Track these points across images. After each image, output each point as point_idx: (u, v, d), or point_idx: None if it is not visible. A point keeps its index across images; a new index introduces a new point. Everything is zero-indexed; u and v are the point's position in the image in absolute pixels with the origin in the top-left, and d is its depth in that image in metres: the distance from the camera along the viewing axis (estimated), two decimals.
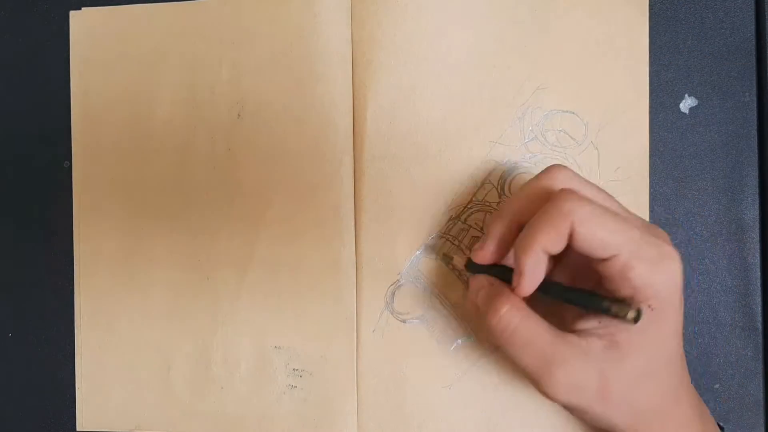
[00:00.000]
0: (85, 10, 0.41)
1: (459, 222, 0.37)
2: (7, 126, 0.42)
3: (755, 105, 0.36)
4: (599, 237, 0.27)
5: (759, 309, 0.36)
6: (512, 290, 0.29)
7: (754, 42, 0.36)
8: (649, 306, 0.27)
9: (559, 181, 0.29)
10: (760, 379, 0.36)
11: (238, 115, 0.39)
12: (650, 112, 0.36)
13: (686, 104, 0.37)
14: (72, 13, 0.41)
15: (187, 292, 0.40)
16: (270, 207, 0.39)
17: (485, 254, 0.31)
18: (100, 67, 0.40)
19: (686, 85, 0.37)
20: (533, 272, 0.28)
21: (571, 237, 0.27)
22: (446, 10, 0.37)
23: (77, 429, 0.41)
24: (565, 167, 0.30)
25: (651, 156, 0.36)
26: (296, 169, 0.38)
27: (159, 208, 0.40)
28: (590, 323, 0.29)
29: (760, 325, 0.36)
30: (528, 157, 0.37)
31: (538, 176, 0.30)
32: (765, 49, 0.36)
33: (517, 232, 0.30)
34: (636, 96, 0.36)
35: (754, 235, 0.36)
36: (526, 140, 0.37)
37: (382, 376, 0.38)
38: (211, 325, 0.39)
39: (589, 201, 0.27)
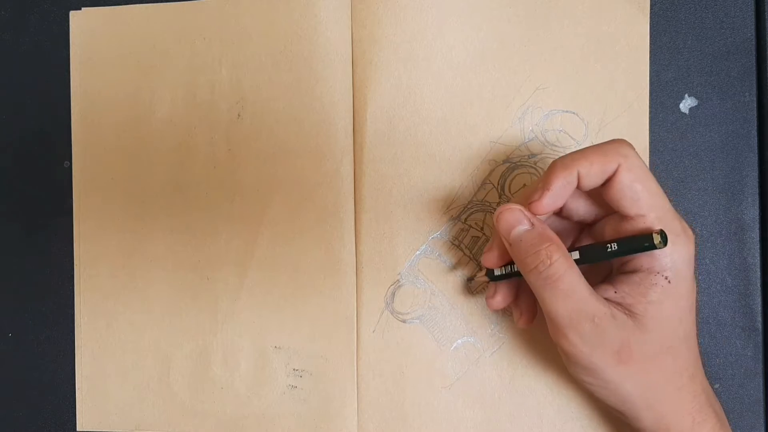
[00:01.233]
0: (85, 10, 0.41)
1: (459, 222, 0.37)
2: (7, 126, 0.42)
3: (755, 105, 0.36)
4: (636, 190, 0.28)
5: (759, 309, 0.36)
6: (528, 205, 0.30)
7: (754, 42, 0.36)
8: (666, 278, 0.28)
9: (616, 153, 0.29)
10: (760, 379, 0.36)
11: (238, 115, 0.39)
12: (650, 112, 0.36)
13: (686, 104, 0.37)
14: (72, 13, 0.41)
15: (187, 292, 0.40)
16: (270, 207, 0.39)
17: (542, 202, 0.30)
18: (100, 67, 0.40)
19: (686, 85, 0.37)
20: (559, 191, 0.29)
21: (610, 181, 0.28)
22: (446, 10, 0.37)
23: (77, 429, 0.41)
24: (626, 142, 0.30)
25: (651, 156, 0.36)
26: (296, 169, 0.38)
27: (159, 208, 0.40)
28: (608, 292, 0.30)
29: (760, 325, 0.36)
30: (528, 157, 0.37)
31: (599, 144, 0.30)
32: (765, 49, 0.36)
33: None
34: (636, 96, 0.36)
35: (754, 235, 0.36)
36: (527, 140, 0.37)
37: (382, 376, 0.38)
38: (211, 325, 0.39)
39: (642, 161, 0.29)
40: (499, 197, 0.37)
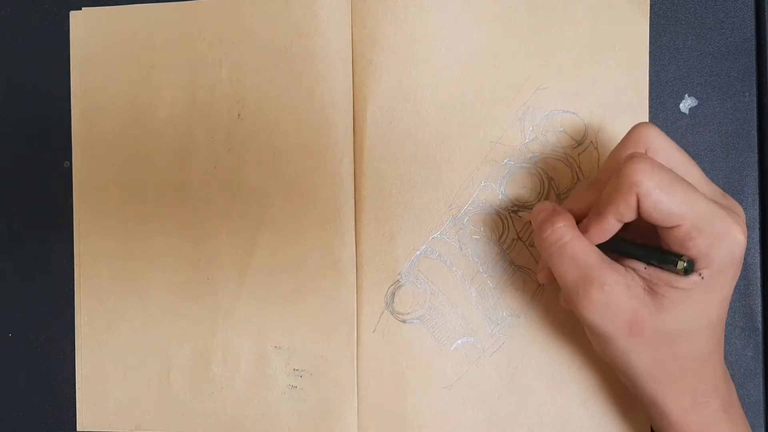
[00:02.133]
0: (85, 10, 0.41)
1: (459, 222, 0.37)
2: (7, 126, 0.42)
3: (755, 105, 0.36)
4: (663, 209, 0.27)
5: (759, 309, 0.36)
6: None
7: (754, 42, 0.36)
8: (700, 275, 0.28)
9: (638, 143, 0.30)
10: (760, 379, 0.36)
11: (238, 115, 0.39)
12: (650, 112, 0.36)
13: (686, 104, 0.37)
14: (72, 13, 0.41)
15: (187, 293, 0.40)
16: (270, 207, 0.39)
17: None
18: (100, 67, 0.40)
19: (686, 85, 0.37)
20: (603, 235, 0.30)
21: (638, 206, 0.28)
22: (446, 11, 0.37)
23: (77, 429, 0.41)
24: (648, 126, 0.30)
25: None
26: (296, 169, 0.38)
27: (159, 208, 0.40)
28: (638, 265, 0.30)
29: (760, 325, 0.36)
30: (528, 158, 0.37)
31: (623, 139, 0.30)
32: (765, 49, 0.36)
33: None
34: (636, 96, 0.36)
35: (754, 235, 0.36)
36: (527, 140, 0.37)
37: (382, 376, 0.38)
38: (211, 325, 0.39)
39: (659, 169, 0.28)
40: (500, 197, 0.37)
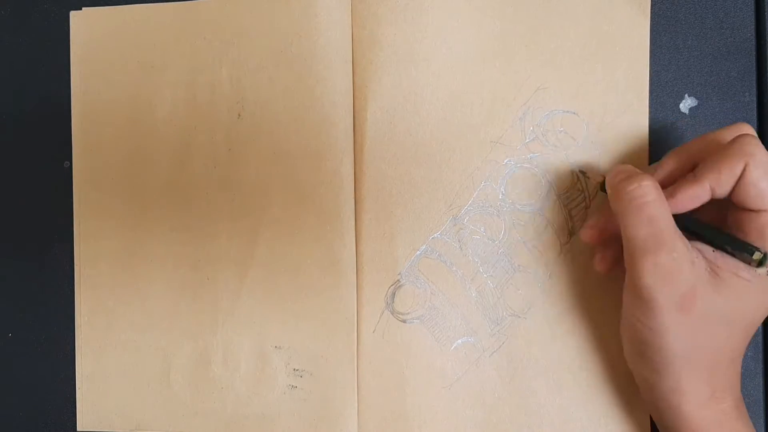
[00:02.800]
0: (85, 10, 0.41)
1: (459, 222, 0.37)
2: (7, 126, 0.42)
3: (755, 105, 0.36)
4: (762, 187, 0.28)
5: None
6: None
7: (754, 42, 0.36)
8: (767, 270, 0.28)
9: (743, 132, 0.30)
10: (760, 379, 0.36)
11: (238, 115, 0.39)
12: (650, 112, 0.36)
13: (686, 104, 0.37)
14: (72, 13, 0.41)
15: (187, 292, 0.40)
16: (270, 207, 0.39)
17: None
18: (100, 67, 0.40)
19: (686, 85, 0.37)
20: (692, 202, 0.30)
21: (739, 178, 0.28)
22: (447, 10, 0.37)
23: (77, 429, 0.41)
24: (749, 128, 0.30)
25: (651, 156, 0.36)
26: (296, 169, 0.38)
27: (159, 207, 0.40)
28: (705, 247, 0.30)
29: (760, 325, 0.36)
30: (529, 158, 0.37)
31: (726, 127, 0.31)
32: (765, 49, 0.36)
33: (687, 172, 0.31)
34: (636, 96, 0.36)
35: None
36: (527, 140, 0.37)
37: (382, 376, 0.38)
38: (211, 325, 0.39)
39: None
40: (500, 198, 0.37)
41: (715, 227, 0.30)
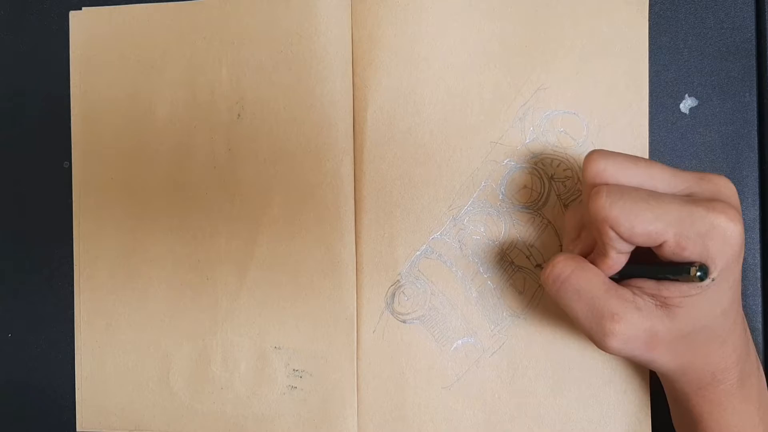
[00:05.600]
0: (85, 10, 0.41)
1: (459, 222, 0.37)
2: (7, 126, 0.42)
3: (755, 105, 0.36)
4: (639, 232, 0.27)
5: (759, 309, 0.36)
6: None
7: (754, 42, 0.36)
8: (712, 278, 0.27)
9: (596, 176, 0.29)
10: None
11: (238, 115, 0.39)
12: (650, 112, 0.36)
13: (686, 104, 0.37)
14: (72, 13, 0.41)
15: (187, 292, 0.40)
16: (270, 207, 0.39)
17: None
18: (100, 67, 0.40)
19: (686, 85, 0.37)
20: (614, 269, 0.30)
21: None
22: (446, 11, 0.37)
23: (77, 429, 0.40)
24: (597, 156, 0.29)
25: (651, 156, 0.36)
26: (296, 169, 0.38)
27: (159, 208, 0.40)
28: (645, 282, 0.29)
29: (760, 325, 0.36)
30: (529, 158, 0.37)
31: (582, 175, 0.30)
32: (765, 49, 0.36)
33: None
34: (636, 96, 0.36)
35: (754, 235, 0.36)
36: (527, 141, 0.37)
37: (382, 376, 0.38)
38: (211, 325, 0.39)
39: (619, 196, 0.27)
40: (500, 198, 0.37)
41: (647, 264, 0.29)
